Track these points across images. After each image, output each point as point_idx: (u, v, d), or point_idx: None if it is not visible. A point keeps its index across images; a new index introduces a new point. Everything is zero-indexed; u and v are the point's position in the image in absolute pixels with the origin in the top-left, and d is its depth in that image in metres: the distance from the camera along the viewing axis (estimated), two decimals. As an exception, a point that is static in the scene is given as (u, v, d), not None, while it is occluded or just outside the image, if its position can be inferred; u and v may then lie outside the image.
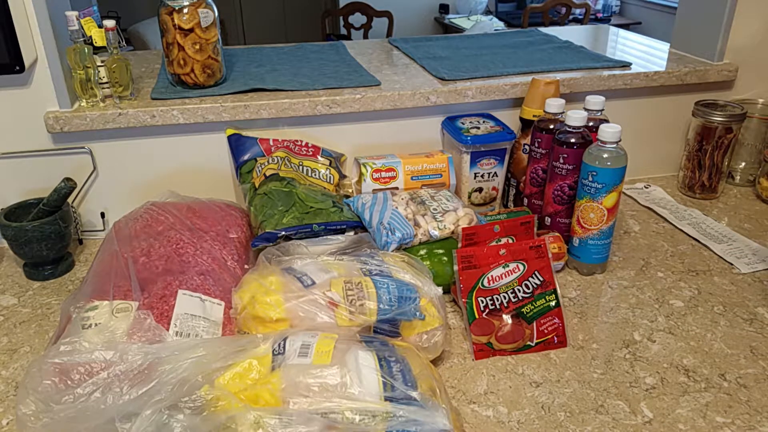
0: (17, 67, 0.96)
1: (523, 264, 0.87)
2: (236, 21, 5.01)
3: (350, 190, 1.15)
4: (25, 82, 1.02)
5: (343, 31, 4.24)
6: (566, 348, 0.86)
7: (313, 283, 0.79)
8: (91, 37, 1.04)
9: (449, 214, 0.99)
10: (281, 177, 1.03)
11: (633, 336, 0.89)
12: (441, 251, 0.96)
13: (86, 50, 1.01)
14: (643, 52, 1.40)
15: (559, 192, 1.02)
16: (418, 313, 0.78)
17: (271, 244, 0.93)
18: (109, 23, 1.03)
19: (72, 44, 1.00)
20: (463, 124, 1.16)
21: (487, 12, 4.78)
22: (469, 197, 1.17)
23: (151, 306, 0.76)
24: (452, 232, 0.97)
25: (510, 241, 0.93)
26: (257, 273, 0.82)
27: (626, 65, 1.29)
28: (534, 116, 1.12)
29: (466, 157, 1.13)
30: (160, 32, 1.09)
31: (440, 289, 0.83)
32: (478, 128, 1.14)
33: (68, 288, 1.00)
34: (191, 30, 1.07)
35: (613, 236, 1.01)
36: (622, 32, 1.63)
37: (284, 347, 0.67)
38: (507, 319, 0.85)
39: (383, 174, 1.10)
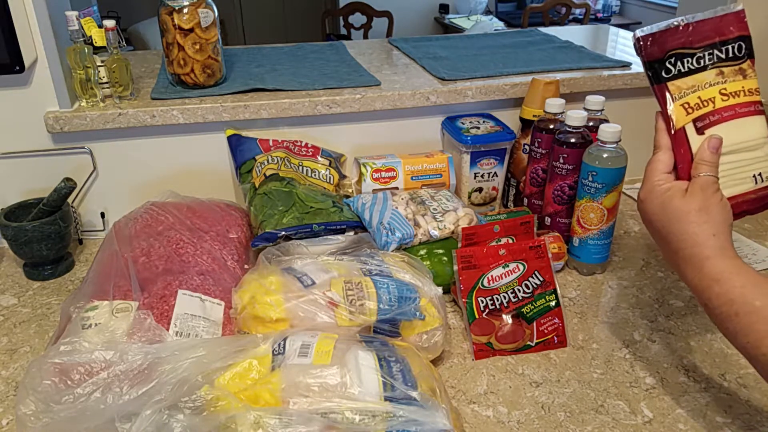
0: (17, 67, 0.96)
1: (523, 264, 0.87)
2: (236, 21, 5.01)
3: (350, 190, 1.15)
4: (25, 82, 1.02)
5: (343, 31, 4.24)
6: (566, 348, 0.86)
7: (313, 283, 0.79)
8: (91, 37, 1.04)
9: (449, 214, 0.99)
10: (281, 177, 1.03)
11: (633, 336, 0.89)
12: (441, 251, 0.96)
13: (86, 50, 1.01)
14: (643, 52, 1.40)
15: (559, 192, 1.02)
16: (418, 313, 0.79)
17: (271, 244, 0.93)
18: (109, 23, 1.03)
19: (72, 44, 1.00)
20: (463, 124, 1.16)
21: (487, 12, 4.78)
22: (469, 197, 1.17)
23: (151, 306, 0.76)
24: (452, 232, 0.97)
25: (510, 241, 0.93)
26: (257, 273, 0.82)
27: (626, 65, 1.29)
28: (534, 116, 1.12)
29: (466, 157, 1.13)
30: (160, 32, 1.09)
31: (440, 289, 0.83)
32: (478, 128, 1.14)
33: (68, 288, 1.00)
34: (191, 30, 1.07)
35: (613, 236, 1.01)
36: (622, 32, 1.63)
37: (284, 347, 0.67)
38: (507, 319, 0.85)
39: (383, 174, 1.10)
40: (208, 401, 0.61)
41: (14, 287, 1.00)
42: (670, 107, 0.73)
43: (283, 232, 0.93)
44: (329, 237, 0.95)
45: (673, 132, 0.73)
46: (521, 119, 1.16)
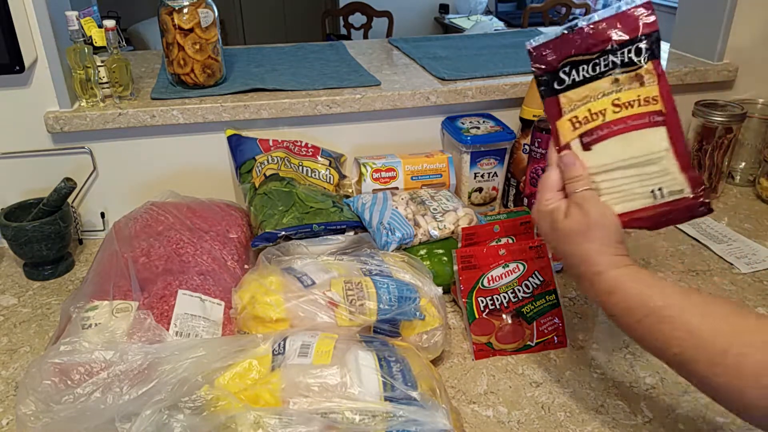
0: (17, 67, 0.96)
1: (523, 264, 0.87)
2: (236, 21, 5.01)
3: (350, 190, 1.15)
4: (25, 82, 1.02)
5: (343, 31, 4.23)
6: (566, 348, 0.86)
7: (313, 283, 0.79)
8: (91, 37, 1.04)
9: (449, 214, 0.99)
10: (281, 177, 1.03)
11: (633, 336, 0.89)
12: (441, 251, 0.96)
13: (86, 50, 1.01)
14: (643, 52, 1.40)
15: (559, 192, 1.02)
16: (418, 313, 0.79)
17: (271, 244, 0.93)
18: (109, 23, 1.03)
19: (72, 44, 1.00)
20: (463, 124, 1.16)
21: (487, 12, 4.78)
22: (469, 197, 1.17)
23: (151, 306, 0.76)
24: (452, 232, 0.97)
25: (510, 241, 0.93)
26: (257, 273, 0.82)
27: (626, 65, 1.28)
28: (534, 116, 1.12)
29: (466, 157, 1.13)
30: (160, 32, 1.09)
31: (440, 289, 0.83)
32: (478, 128, 1.14)
33: (68, 288, 1.00)
34: (191, 30, 1.07)
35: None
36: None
37: (284, 347, 0.67)
38: (507, 319, 0.85)
39: (383, 174, 1.10)
40: (208, 401, 0.61)
41: (14, 287, 1.00)
42: (557, 122, 0.69)
43: (283, 232, 0.93)
44: (329, 237, 0.95)
45: (557, 148, 0.69)
46: (521, 119, 1.16)
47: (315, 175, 1.09)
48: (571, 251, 0.66)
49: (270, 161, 1.06)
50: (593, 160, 0.68)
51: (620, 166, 0.67)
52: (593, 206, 0.66)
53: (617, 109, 0.67)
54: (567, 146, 0.69)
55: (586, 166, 0.68)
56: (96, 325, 0.73)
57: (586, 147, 0.68)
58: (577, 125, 0.68)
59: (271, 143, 1.11)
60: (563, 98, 0.69)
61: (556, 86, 0.69)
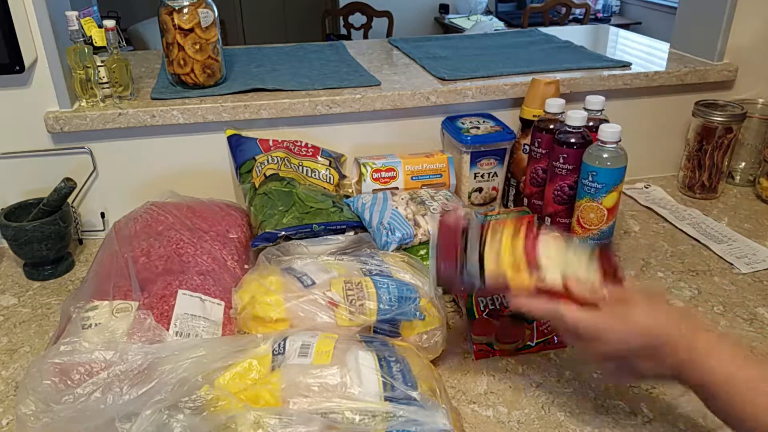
0: (17, 67, 0.96)
1: (523, 264, 0.87)
2: (236, 21, 5.00)
3: (350, 190, 1.15)
4: (25, 82, 1.02)
5: (343, 31, 4.23)
6: (566, 348, 0.86)
7: (313, 283, 0.79)
8: (91, 37, 1.04)
9: (449, 214, 0.99)
10: (281, 177, 1.03)
11: (633, 336, 0.89)
12: (441, 251, 0.96)
13: (86, 50, 1.01)
14: (643, 52, 1.40)
15: (559, 192, 1.02)
16: (418, 313, 0.78)
17: (271, 244, 0.93)
18: (109, 23, 1.03)
19: (72, 44, 1.00)
20: (463, 124, 1.16)
21: (487, 12, 4.78)
22: (469, 197, 1.17)
23: (151, 306, 0.76)
24: (452, 232, 0.97)
25: (510, 241, 0.93)
26: (257, 273, 0.82)
27: (626, 65, 1.29)
28: (534, 116, 1.12)
29: (466, 157, 1.13)
30: (160, 32, 1.09)
31: (440, 289, 0.83)
32: (478, 128, 1.14)
33: (68, 288, 1.00)
34: (191, 30, 1.07)
35: (613, 236, 1.01)
36: (622, 32, 1.63)
37: (284, 347, 0.67)
38: (507, 319, 0.85)
39: (383, 174, 1.10)
40: (208, 401, 0.61)
41: (14, 287, 1.00)
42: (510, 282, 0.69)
43: (283, 232, 0.93)
44: (329, 237, 0.95)
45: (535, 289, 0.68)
46: (521, 119, 1.16)
47: (315, 175, 1.09)
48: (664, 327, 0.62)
49: (270, 161, 1.06)
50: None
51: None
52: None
53: (517, 234, 0.71)
54: (535, 244, 0.69)
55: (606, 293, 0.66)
56: (96, 325, 0.73)
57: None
58: (518, 267, 0.68)
59: (271, 143, 1.11)
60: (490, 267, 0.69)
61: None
